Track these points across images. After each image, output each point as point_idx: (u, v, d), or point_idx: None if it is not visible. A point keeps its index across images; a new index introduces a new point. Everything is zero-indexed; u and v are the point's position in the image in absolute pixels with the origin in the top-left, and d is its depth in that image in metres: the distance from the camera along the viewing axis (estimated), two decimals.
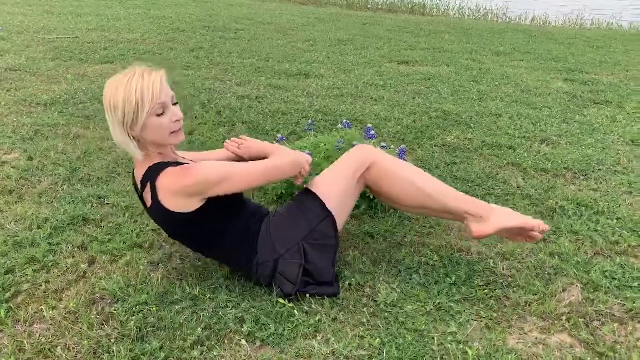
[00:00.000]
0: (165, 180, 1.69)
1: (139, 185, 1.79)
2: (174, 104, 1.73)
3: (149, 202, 1.76)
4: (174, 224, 1.80)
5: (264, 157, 1.90)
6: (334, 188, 1.91)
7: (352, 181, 1.94)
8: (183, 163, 1.76)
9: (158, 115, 1.67)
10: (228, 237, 1.83)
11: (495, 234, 1.93)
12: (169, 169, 1.70)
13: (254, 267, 1.83)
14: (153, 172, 1.72)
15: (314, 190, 1.91)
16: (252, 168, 1.79)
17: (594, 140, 3.44)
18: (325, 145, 2.58)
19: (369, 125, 2.71)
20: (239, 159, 1.99)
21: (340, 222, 1.91)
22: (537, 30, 8.74)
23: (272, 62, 5.28)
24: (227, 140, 2.05)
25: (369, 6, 11.59)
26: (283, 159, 1.86)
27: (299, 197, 1.95)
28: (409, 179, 1.92)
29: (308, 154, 2.05)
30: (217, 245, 1.86)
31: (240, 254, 1.85)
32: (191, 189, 1.69)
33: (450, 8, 11.38)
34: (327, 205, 1.88)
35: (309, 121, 2.92)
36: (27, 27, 6.47)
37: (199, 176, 1.68)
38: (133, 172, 1.84)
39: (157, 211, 1.75)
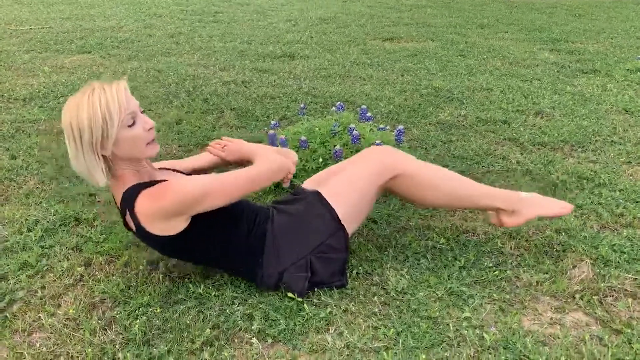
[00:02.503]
0: (143, 205, 1.59)
1: (119, 210, 1.69)
2: (142, 112, 1.62)
3: (133, 228, 1.66)
4: (167, 247, 1.72)
5: (249, 160, 1.78)
6: (350, 200, 1.80)
7: (370, 193, 1.83)
8: (160, 181, 1.64)
9: (130, 126, 1.56)
10: (229, 252, 1.74)
11: (525, 224, 1.94)
12: (145, 192, 1.59)
13: (258, 278, 1.75)
14: (130, 198, 1.61)
15: (328, 199, 1.78)
16: (233, 179, 1.65)
17: (587, 111, 3.41)
18: (320, 130, 2.51)
19: (364, 106, 2.64)
20: (224, 162, 1.90)
21: (352, 231, 1.83)
22: (518, 0, 8.68)
23: (255, 45, 5.17)
24: (210, 143, 1.91)
25: None
26: (266, 166, 1.71)
27: (310, 202, 1.80)
28: (437, 187, 1.85)
29: (282, 142, 1.94)
30: (218, 261, 1.79)
31: (244, 267, 1.77)
32: (171, 211, 1.58)
33: None
34: (341, 218, 1.77)
35: (302, 105, 2.84)
36: None
37: (177, 195, 1.57)
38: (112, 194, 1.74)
39: (145, 236, 1.65)
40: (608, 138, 2.99)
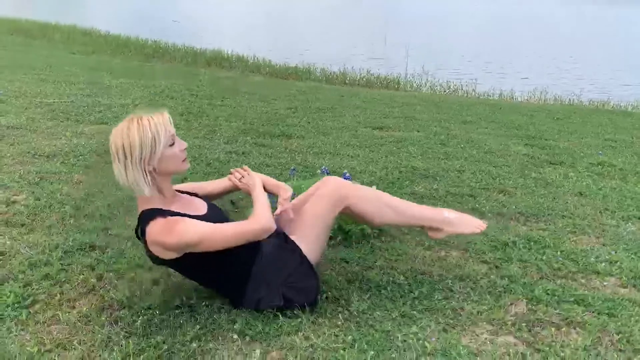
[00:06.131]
0: (151, 231, 1.91)
1: (137, 219, 2.03)
2: None
3: (141, 238, 2.02)
4: (165, 263, 2.04)
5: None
6: (312, 236, 2.18)
7: (328, 225, 2.24)
8: (175, 213, 1.97)
9: (170, 145, 1.96)
10: (219, 275, 2.07)
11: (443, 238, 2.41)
12: (158, 220, 1.91)
13: (239, 301, 2.10)
14: (146, 218, 1.94)
15: (292, 238, 2.16)
16: (226, 232, 1.98)
17: (546, 192, 3.84)
18: (305, 188, 2.92)
19: (346, 172, 3.08)
20: (237, 189, 2.30)
21: (318, 255, 2.21)
22: (504, 104, 9.41)
23: (257, 125, 5.71)
24: (232, 170, 2.32)
25: (346, 81, 12.30)
26: (254, 225, 2.03)
27: (280, 242, 2.16)
28: (382, 212, 2.27)
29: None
30: (207, 281, 2.13)
31: (228, 290, 2.11)
32: (168, 247, 1.93)
33: (423, 84, 12.15)
34: (304, 252, 2.14)
35: (292, 168, 3.28)
36: (24, 92, 6.86)
37: (178, 237, 1.89)
38: None
39: (146, 248, 2.00)
40: (560, 213, 3.40)
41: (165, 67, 11.56)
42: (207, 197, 2.27)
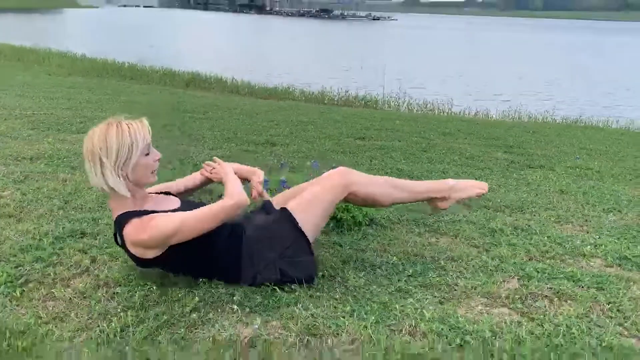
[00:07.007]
0: (128, 232, 1.93)
1: (114, 226, 2.04)
2: None
3: (120, 242, 2.03)
4: (151, 263, 2.03)
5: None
6: (312, 213, 2.19)
7: (329, 208, 2.26)
8: (149, 211, 1.97)
9: (146, 155, 1.96)
10: (206, 266, 2.08)
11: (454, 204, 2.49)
12: (133, 221, 1.93)
13: (238, 281, 2.09)
14: (121, 221, 1.96)
15: (292, 212, 2.16)
16: (200, 216, 1.97)
17: (529, 190, 3.93)
18: (296, 180, 2.95)
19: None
20: (210, 181, 2.34)
21: (315, 236, 2.23)
22: (480, 120, 9.61)
23: (241, 135, 5.73)
24: (203, 165, 2.35)
25: (325, 101, 12.43)
26: (227, 202, 2.01)
27: (277, 217, 2.19)
28: (382, 195, 2.33)
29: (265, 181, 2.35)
30: (201, 270, 2.11)
31: (225, 275, 2.10)
32: (148, 243, 1.94)
33: (400, 103, 12.35)
34: (302, 228, 2.14)
35: (282, 162, 3.30)
36: (3, 105, 6.78)
37: (155, 230, 1.90)
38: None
39: (129, 254, 2.02)
40: (543, 206, 3.48)
41: (143, 88, 11.54)
42: (181, 195, 2.28)
